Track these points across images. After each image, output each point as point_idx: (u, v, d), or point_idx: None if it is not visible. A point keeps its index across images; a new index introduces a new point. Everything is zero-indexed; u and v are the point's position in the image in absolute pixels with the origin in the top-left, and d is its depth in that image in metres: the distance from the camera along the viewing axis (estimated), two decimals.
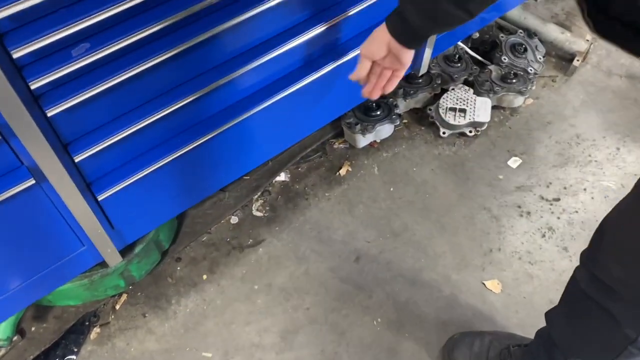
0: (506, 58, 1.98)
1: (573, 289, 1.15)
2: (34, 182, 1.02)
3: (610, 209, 1.75)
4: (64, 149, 1.03)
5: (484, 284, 1.62)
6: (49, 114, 0.94)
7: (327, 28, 1.28)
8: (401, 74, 1.18)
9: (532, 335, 1.40)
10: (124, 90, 1.02)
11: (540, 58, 2.02)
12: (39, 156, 0.97)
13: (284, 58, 1.26)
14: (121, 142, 1.09)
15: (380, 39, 1.09)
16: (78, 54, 0.89)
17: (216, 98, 1.21)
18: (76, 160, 1.05)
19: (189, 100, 1.13)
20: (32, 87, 0.89)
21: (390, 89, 1.21)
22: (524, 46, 2.00)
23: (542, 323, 1.32)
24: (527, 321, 1.55)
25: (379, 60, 1.14)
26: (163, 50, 1.01)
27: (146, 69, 1.00)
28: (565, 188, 1.81)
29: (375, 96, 1.22)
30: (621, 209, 1.01)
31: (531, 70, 1.97)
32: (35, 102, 0.92)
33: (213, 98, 1.20)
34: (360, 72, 1.17)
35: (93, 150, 1.06)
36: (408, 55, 1.11)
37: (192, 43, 1.04)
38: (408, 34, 1.06)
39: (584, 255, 1.11)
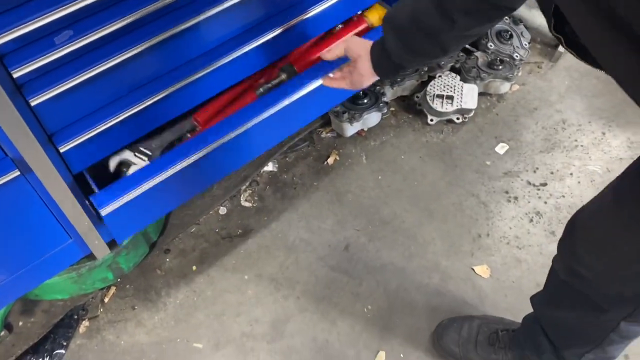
0: (492, 44, 1.99)
1: (554, 278, 1.16)
2: (18, 173, 1.00)
3: (596, 194, 1.77)
4: (48, 139, 1.02)
5: (473, 269, 1.63)
6: (33, 103, 0.92)
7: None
8: (343, 86, 1.25)
9: (521, 319, 1.42)
10: (108, 78, 1.01)
11: (525, 44, 2.03)
12: (23, 147, 0.96)
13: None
14: (107, 132, 1.08)
15: (361, 47, 1.16)
16: (61, 42, 0.88)
17: (203, 87, 1.20)
18: (61, 151, 1.03)
19: (175, 89, 1.11)
20: (15, 75, 0.88)
21: (326, 82, 1.30)
22: (509, 32, 2.01)
23: (529, 306, 1.34)
24: (516, 305, 1.56)
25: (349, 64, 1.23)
26: (149, 37, 1.00)
27: (132, 57, 0.99)
28: (552, 173, 1.83)
29: (325, 82, 1.31)
30: (594, 204, 1.03)
31: (517, 56, 1.98)
32: (18, 91, 0.91)
33: (200, 87, 1.18)
34: (328, 54, 1.27)
35: (78, 141, 1.04)
36: (362, 76, 1.18)
37: (179, 29, 1.03)
38: (383, 60, 1.12)
39: (560, 247, 1.12)
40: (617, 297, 1.03)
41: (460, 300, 1.58)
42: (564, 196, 1.77)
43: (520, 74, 2.03)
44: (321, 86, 1.31)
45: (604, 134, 1.92)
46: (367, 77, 1.19)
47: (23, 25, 0.83)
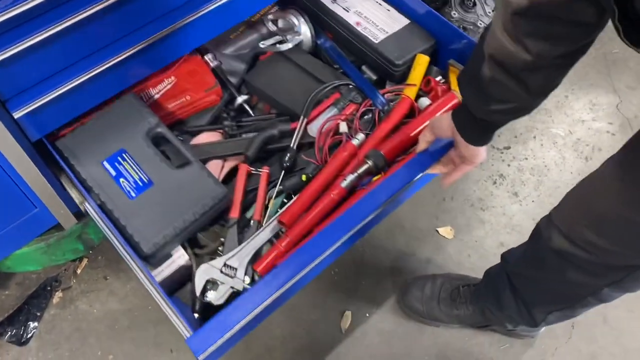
0: (456, 13, 2.01)
1: (541, 244, 1.12)
2: None
3: (558, 155, 1.81)
4: (2, 105, 1.04)
5: (437, 231, 1.67)
6: None
7: None
8: (466, 168, 1.10)
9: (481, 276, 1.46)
10: (58, 44, 1.03)
11: (489, 12, 2.05)
12: None
13: None
14: (63, 98, 1.10)
15: (446, 121, 1.05)
16: (4, 5, 0.90)
17: (162, 50, 1.21)
18: (16, 117, 1.06)
19: (133, 52, 1.13)
20: None
21: (449, 180, 1.15)
22: (473, 0, 2.03)
23: (492, 264, 1.38)
24: (478, 264, 1.61)
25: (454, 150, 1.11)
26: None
27: (80, 21, 1.00)
28: (515, 137, 1.86)
29: (444, 184, 1.17)
30: (595, 177, 1.00)
31: (481, 24, 2.00)
32: None
33: (158, 50, 1.20)
34: (419, 145, 1.16)
35: (33, 107, 1.07)
36: (469, 149, 1.04)
37: None
38: (468, 123, 0.99)
39: (556, 217, 1.09)
40: (613, 267, 1.01)
41: (425, 261, 1.62)
42: (526, 158, 1.81)
43: None
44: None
45: (566, 97, 1.96)
46: (471, 147, 1.03)
47: None
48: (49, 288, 1.55)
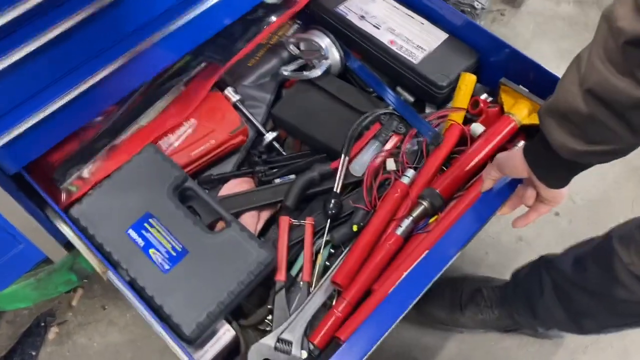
0: None
1: (619, 268, 0.99)
2: None
3: None
4: None
5: None
6: None
7: None
8: (544, 209, 0.97)
9: (502, 275, 1.38)
10: (26, 68, 0.91)
11: None
12: None
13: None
14: (38, 126, 0.99)
15: (517, 159, 0.91)
16: None
17: (136, 70, 1.11)
18: None
19: (103, 76, 1.02)
20: None
21: (524, 223, 1.02)
22: None
23: (512, 261, 1.30)
24: (496, 261, 1.53)
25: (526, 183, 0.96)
26: (69, 14, 0.90)
27: (56, 37, 0.90)
28: None
29: (517, 224, 1.03)
30: None
31: (478, 5, 1.90)
32: None
33: (132, 70, 1.09)
34: (484, 184, 1.03)
35: (4, 139, 0.96)
36: (550, 191, 0.91)
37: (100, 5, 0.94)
38: (548, 163, 0.86)
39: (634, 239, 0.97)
40: None
41: None
42: None
43: (483, 23, 1.96)
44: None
45: None
46: (546, 192, 0.92)
47: None
48: (43, 324, 1.45)
